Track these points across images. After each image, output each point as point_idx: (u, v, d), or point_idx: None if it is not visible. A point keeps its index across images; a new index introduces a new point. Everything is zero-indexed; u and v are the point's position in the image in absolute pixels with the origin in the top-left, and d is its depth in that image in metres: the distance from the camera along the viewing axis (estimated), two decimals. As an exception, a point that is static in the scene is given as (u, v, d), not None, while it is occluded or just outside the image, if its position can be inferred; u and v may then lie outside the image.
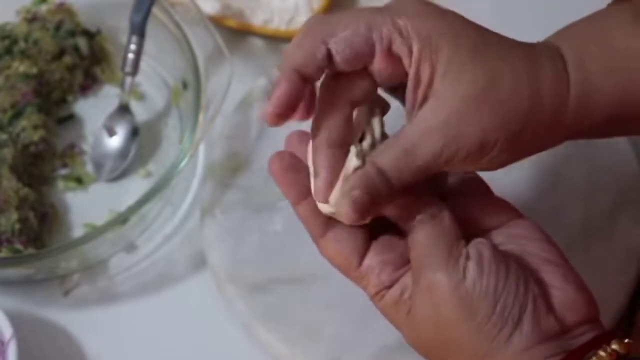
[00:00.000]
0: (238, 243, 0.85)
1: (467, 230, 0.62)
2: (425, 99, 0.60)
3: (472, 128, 0.59)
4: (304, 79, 0.60)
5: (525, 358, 0.58)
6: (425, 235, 0.60)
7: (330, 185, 0.60)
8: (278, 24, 0.98)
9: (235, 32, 0.98)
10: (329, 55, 0.59)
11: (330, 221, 0.62)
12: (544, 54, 0.61)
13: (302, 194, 0.62)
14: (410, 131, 0.60)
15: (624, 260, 0.81)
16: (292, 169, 0.62)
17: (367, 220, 0.61)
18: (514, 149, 0.61)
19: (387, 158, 0.60)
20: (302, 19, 0.98)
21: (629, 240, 0.82)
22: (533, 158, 0.86)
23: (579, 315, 0.60)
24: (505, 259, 0.59)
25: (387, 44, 0.59)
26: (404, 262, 0.61)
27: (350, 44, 0.59)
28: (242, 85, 0.93)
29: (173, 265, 0.88)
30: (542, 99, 0.60)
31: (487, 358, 0.58)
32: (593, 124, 0.62)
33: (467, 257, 0.59)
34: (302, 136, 0.64)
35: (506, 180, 0.85)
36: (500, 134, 0.59)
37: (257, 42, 0.99)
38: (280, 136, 0.91)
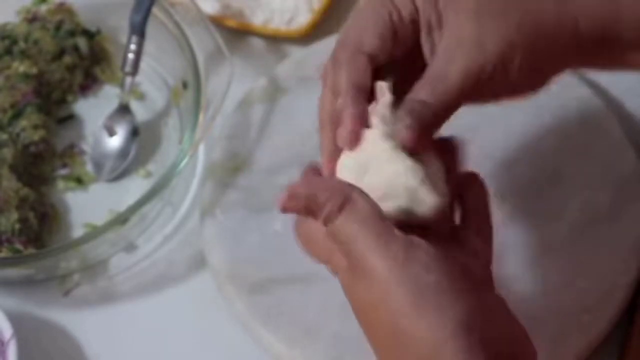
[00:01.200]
0: (238, 243, 0.85)
1: None
2: (440, 37, 0.64)
3: (489, 37, 0.63)
4: (365, 94, 0.64)
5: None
6: (342, 227, 0.59)
7: (359, 124, 0.62)
8: (278, 24, 0.98)
9: (235, 32, 0.98)
10: (371, 58, 0.64)
11: None
12: None
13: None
14: (437, 62, 0.63)
15: (625, 259, 0.81)
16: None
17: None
18: (531, 62, 0.64)
19: (423, 91, 0.62)
20: (302, 19, 0.98)
21: (629, 239, 0.82)
22: (533, 156, 0.86)
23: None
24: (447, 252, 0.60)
25: (398, 17, 0.64)
26: None
27: (379, 37, 0.64)
28: (242, 85, 0.93)
29: (173, 265, 0.88)
30: (546, 4, 0.64)
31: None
32: (581, 43, 0.65)
33: (406, 240, 0.58)
34: (315, 169, 0.66)
35: (507, 178, 0.85)
36: (517, 38, 0.63)
37: (257, 42, 0.99)
38: (280, 137, 0.91)
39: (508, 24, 0.63)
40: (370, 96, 0.64)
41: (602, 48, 0.65)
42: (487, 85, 0.63)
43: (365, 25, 0.65)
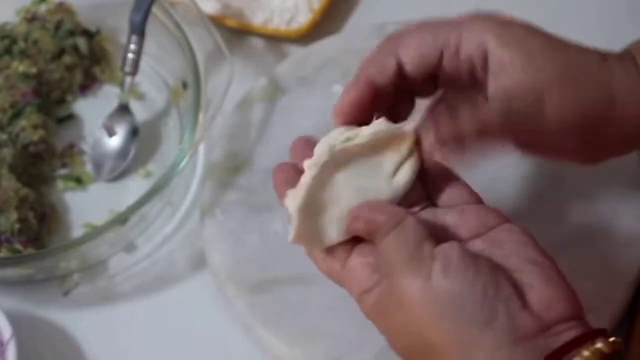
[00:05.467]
0: (238, 243, 0.85)
1: (448, 238, 0.62)
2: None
3: (550, 105, 0.62)
4: (374, 88, 0.64)
5: (498, 357, 0.57)
6: (388, 243, 0.60)
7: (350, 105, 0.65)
8: (278, 24, 0.98)
9: (235, 32, 0.98)
10: (400, 66, 0.64)
11: None
12: (611, 55, 0.65)
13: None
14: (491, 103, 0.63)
15: (626, 260, 0.81)
16: (289, 170, 0.66)
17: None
18: (588, 138, 0.64)
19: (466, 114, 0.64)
20: (301, 18, 0.98)
21: (631, 239, 0.82)
22: (534, 158, 0.86)
23: (558, 311, 0.59)
24: (476, 262, 0.59)
25: (455, 49, 0.63)
26: None
27: (419, 51, 0.64)
28: (242, 85, 0.93)
29: (173, 265, 0.88)
30: (613, 91, 0.63)
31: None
32: None
33: (432, 258, 0.59)
34: (308, 142, 0.67)
35: (509, 180, 0.85)
36: (577, 116, 0.63)
37: (257, 42, 0.99)
38: (280, 137, 0.91)
39: (574, 102, 0.63)
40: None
41: None
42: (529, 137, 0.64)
43: (415, 46, 0.64)
